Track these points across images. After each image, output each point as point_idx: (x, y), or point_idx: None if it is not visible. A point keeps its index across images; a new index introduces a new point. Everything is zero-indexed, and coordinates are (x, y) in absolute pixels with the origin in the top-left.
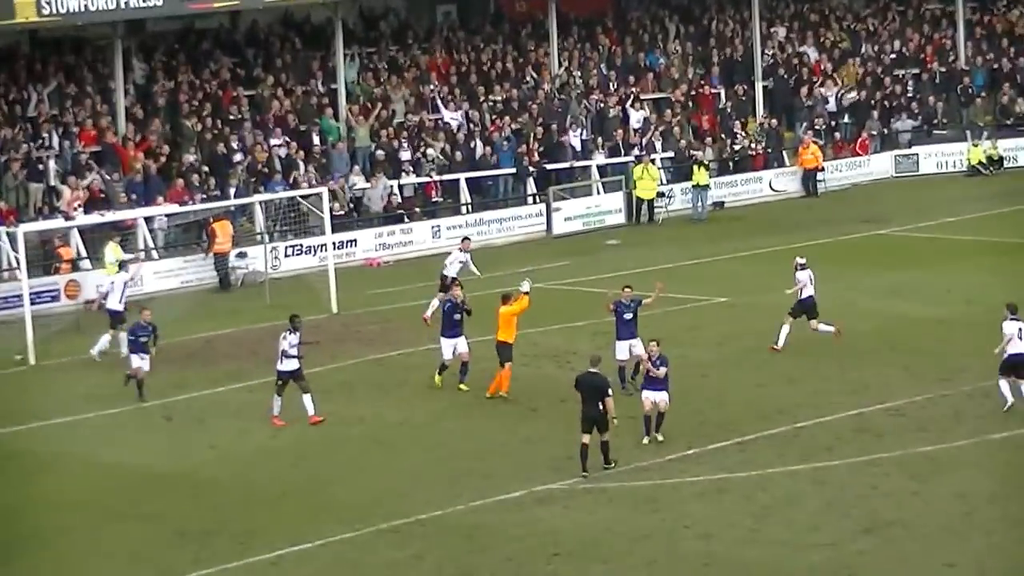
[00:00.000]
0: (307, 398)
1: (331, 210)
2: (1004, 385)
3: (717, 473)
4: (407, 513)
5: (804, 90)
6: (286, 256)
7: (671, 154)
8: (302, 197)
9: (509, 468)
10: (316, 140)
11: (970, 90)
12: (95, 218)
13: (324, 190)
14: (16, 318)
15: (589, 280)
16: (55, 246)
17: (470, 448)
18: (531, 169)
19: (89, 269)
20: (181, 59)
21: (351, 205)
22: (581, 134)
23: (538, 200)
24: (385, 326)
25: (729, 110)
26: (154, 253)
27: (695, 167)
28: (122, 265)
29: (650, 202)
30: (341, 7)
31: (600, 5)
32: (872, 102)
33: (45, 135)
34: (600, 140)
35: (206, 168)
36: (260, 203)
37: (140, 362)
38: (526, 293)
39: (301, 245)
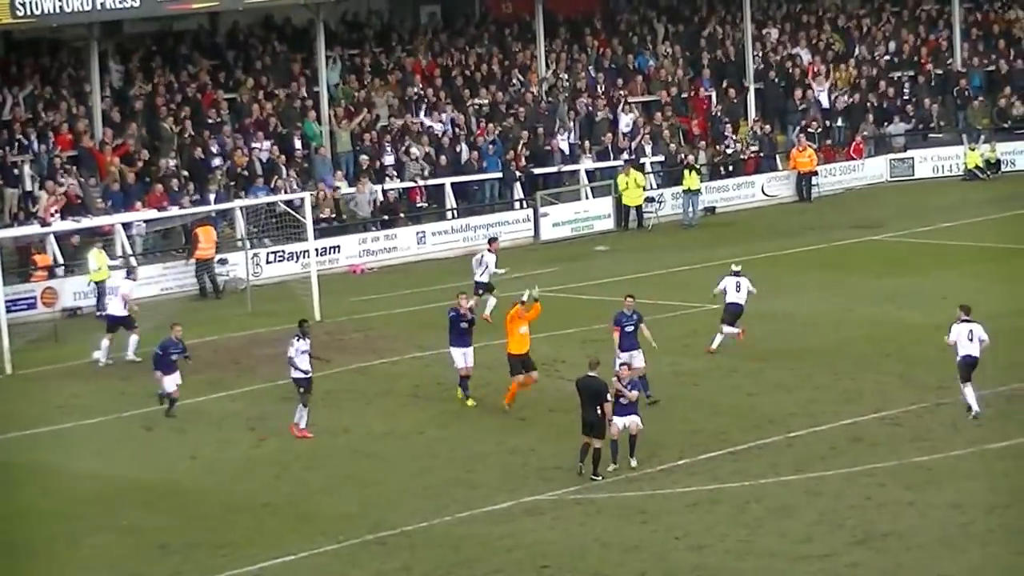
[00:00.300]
0: (301, 408)
1: (321, 216)
2: (967, 391)
3: (709, 483)
4: (393, 524)
5: (797, 93)
6: (268, 263)
7: (661, 158)
8: (285, 202)
9: (496, 479)
10: (298, 144)
11: (967, 92)
12: (71, 224)
13: (307, 195)
14: None
15: (578, 287)
16: (31, 253)
17: (456, 458)
18: (518, 174)
19: (64, 276)
20: (159, 61)
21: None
22: (569, 138)
23: (525, 205)
24: (369, 334)
25: (720, 113)
26: (132, 260)
27: (686, 171)
28: (129, 272)
29: (638, 208)
30: (323, 8)
31: (588, 6)
32: (867, 105)
33: (20, 139)
34: (588, 144)
35: (185, 173)
36: (241, 208)
37: (176, 381)
38: (536, 300)
39: (283, 251)
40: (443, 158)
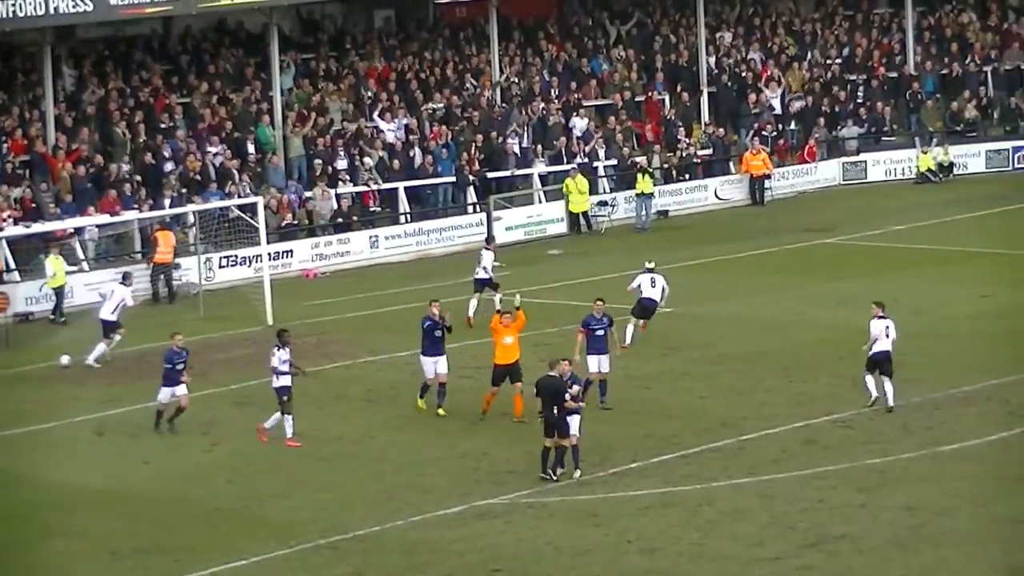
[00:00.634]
0: (284, 418)
1: (284, 222)
2: (870, 380)
3: (661, 487)
4: (345, 529)
5: (750, 96)
6: (220, 267)
7: (614, 162)
8: (241, 207)
9: (448, 483)
10: (251, 149)
11: (919, 96)
12: (21, 229)
13: (260, 200)
14: None
15: (531, 291)
16: None
17: (409, 462)
18: (471, 178)
19: (18, 281)
20: (112, 66)
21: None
22: (522, 142)
23: (478, 209)
24: (322, 338)
25: (674, 117)
26: (85, 264)
27: (639, 175)
28: (125, 278)
29: (584, 214)
30: (277, 13)
31: (542, 10)
32: (820, 108)
33: None
34: (542, 148)
35: (139, 178)
36: (194, 213)
37: (181, 392)
38: (518, 308)
39: (236, 256)
40: (396, 162)
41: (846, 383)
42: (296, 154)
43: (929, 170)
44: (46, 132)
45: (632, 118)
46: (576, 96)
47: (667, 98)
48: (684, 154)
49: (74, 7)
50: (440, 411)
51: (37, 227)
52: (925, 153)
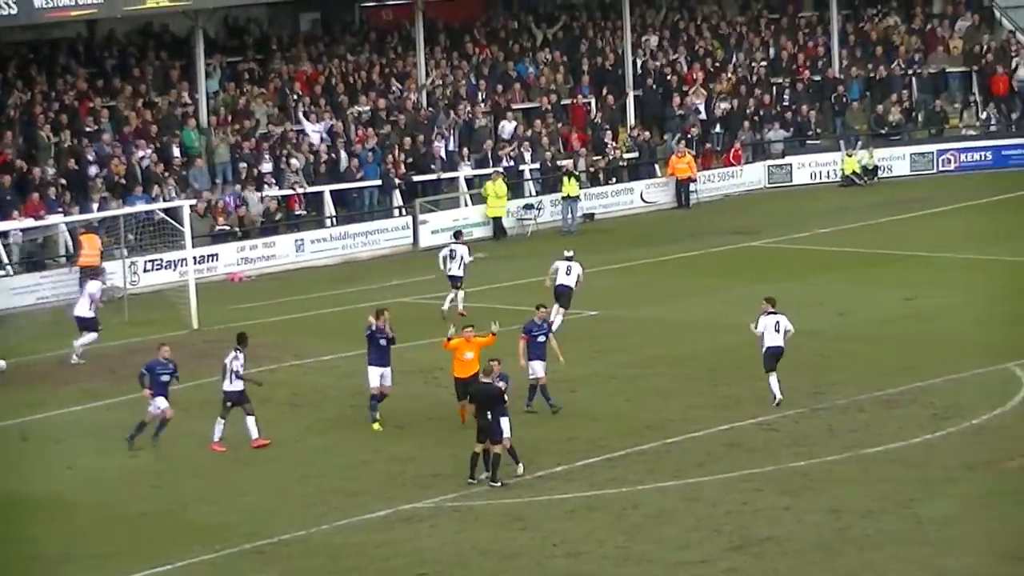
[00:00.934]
0: (251, 420)
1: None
2: (773, 381)
3: (587, 490)
4: (270, 533)
5: (676, 99)
6: (145, 271)
7: (539, 165)
8: (166, 211)
9: (375, 486)
10: (177, 152)
11: (844, 99)
12: None
13: (185, 203)
14: None
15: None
16: None
17: (335, 466)
18: (397, 181)
19: None
20: (36, 69)
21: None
22: (448, 145)
23: (404, 213)
24: (253, 342)
25: (600, 120)
26: (9, 268)
27: (565, 178)
28: (95, 273)
29: (498, 220)
30: (202, 16)
31: (469, 13)
32: (745, 111)
33: None
34: (468, 151)
35: (64, 181)
36: (120, 216)
37: (164, 404)
38: (494, 334)
39: (161, 260)
40: (322, 166)
41: None
42: (222, 158)
43: (854, 173)
44: None
45: (559, 122)
46: (502, 99)
47: (593, 101)
48: (610, 158)
49: None
50: (375, 425)
51: None
52: (850, 156)
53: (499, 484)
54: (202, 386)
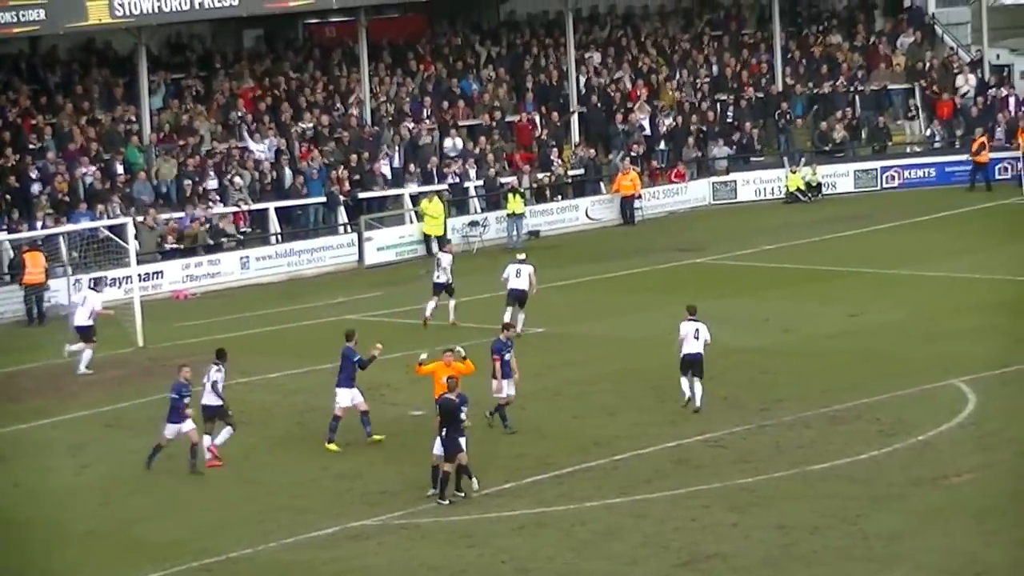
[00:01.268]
0: (226, 432)
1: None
2: (684, 382)
3: (535, 507)
4: (218, 551)
5: (619, 116)
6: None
7: (483, 182)
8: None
9: (322, 504)
10: (120, 169)
11: (788, 116)
12: None
13: (129, 220)
14: None
15: (402, 311)
16: None
17: (283, 484)
18: (342, 198)
19: None
20: None
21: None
22: (393, 162)
23: (349, 230)
24: (193, 359)
25: (545, 137)
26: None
27: (509, 195)
28: (96, 283)
29: (439, 239)
30: (145, 33)
31: (413, 30)
32: (689, 128)
33: None
34: (413, 168)
35: (8, 198)
36: (64, 234)
37: (188, 427)
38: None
39: (106, 277)
40: (267, 183)
41: (717, 402)
42: (167, 175)
43: (798, 189)
44: None
45: (504, 139)
46: (446, 116)
47: (538, 118)
48: (555, 176)
49: None
50: (377, 437)
51: None
52: (794, 173)
53: (447, 502)
54: (149, 403)
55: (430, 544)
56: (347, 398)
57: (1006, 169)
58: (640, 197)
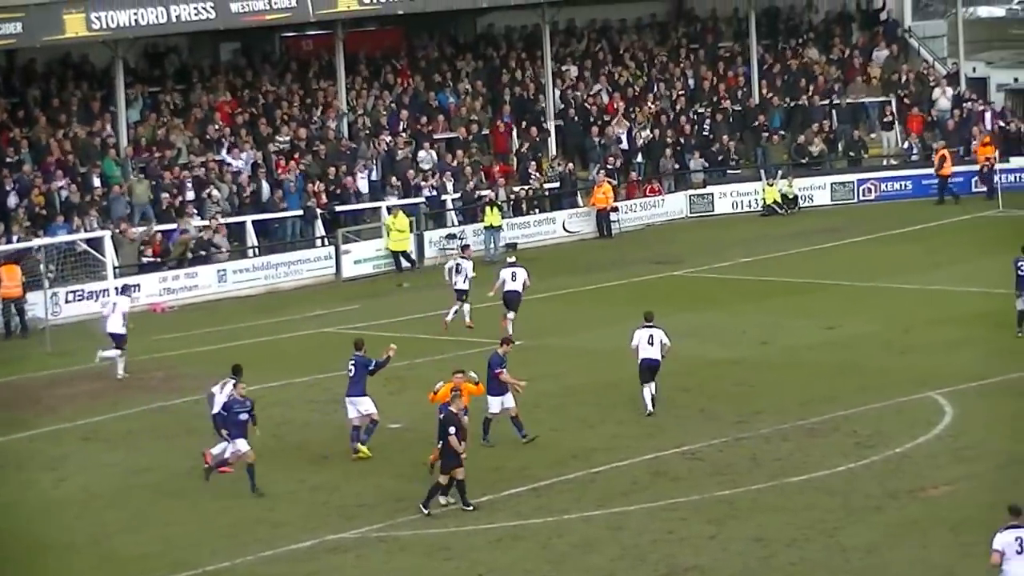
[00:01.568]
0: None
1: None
2: (645, 392)
3: (512, 520)
4: (195, 564)
5: (596, 129)
6: (67, 302)
7: (461, 195)
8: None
9: (299, 517)
10: (98, 182)
11: (765, 129)
12: None
13: (106, 233)
14: None
15: (379, 324)
16: None
17: (259, 496)
18: (319, 211)
19: None
20: None
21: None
22: (370, 175)
23: (327, 243)
24: (170, 372)
25: (522, 150)
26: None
27: (487, 208)
28: (124, 290)
29: (404, 254)
30: (122, 46)
31: (390, 43)
32: (666, 141)
33: None
34: (393, 180)
35: None
36: (41, 247)
37: (245, 446)
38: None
39: (83, 290)
40: (246, 196)
41: (694, 415)
42: (141, 196)
43: (775, 202)
44: None
45: (482, 152)
46: (424, 129)
47: (515, 131)
48: (533, 190)
49: None
50: (364, 452)
51: None
52: (771, 185)
53: (472, 508)
54: (126, 416)
55: (408, 557)
56: (366, 406)
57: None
58: (616, 209)
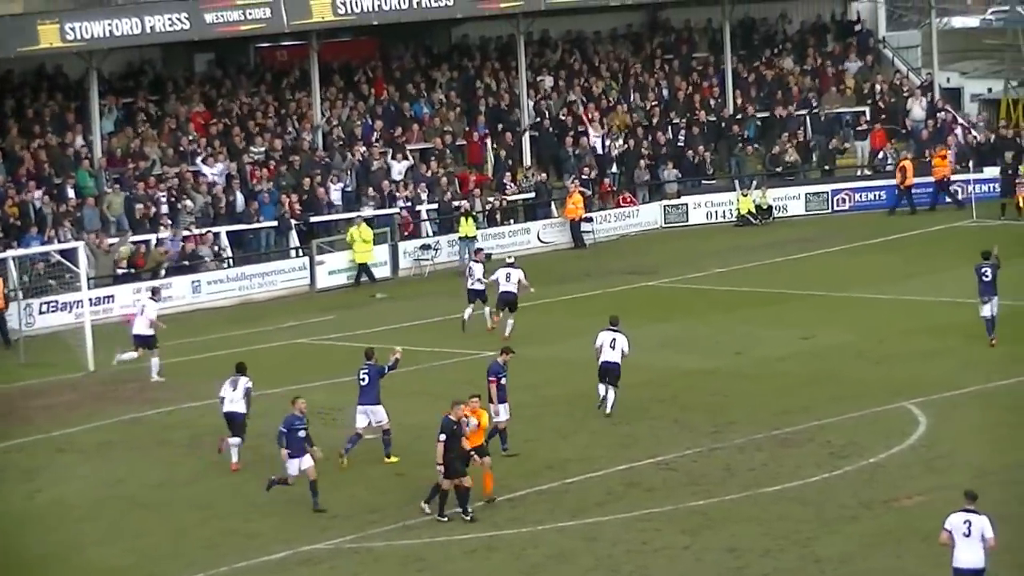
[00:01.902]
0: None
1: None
2: (600, 387)
3: (487, 531)
4: None
5: (571, 139)
6: (40, 313)
7: (436, 205)
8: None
9: (273, 528)
10: (72, 193)
11: (739, 139)
12: None
13: (81, 244)
14: None
15: (354, 335)
16: None
17: (233, 508)
18: (293, 222)
19: None
20: None
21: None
22: (345, 186)
23: (301, 253)
24: (144, 384)
25: (497, 160)
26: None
27: (461, 218)
28: (155, 294)
29: (366, 267)
30: (96, 57)
31: (364, 53)
32: (640, 151)
33: None
34: (367, 191)
35: None
36: (13, 258)
37: (307, 463)
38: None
39: (56, 301)
40: (220, 207)
41: (668, 425)
42: (116, 209)
43: (749, 212)
44: None
45: (456, 162)
46: (399, 139)
47: (489, 141)
48: (507, 201)
49: None
50: (392, 459)
51: None
52: (745, 196)
53: (469, 518)
54: (100, 428)
55: (382, 568)
56: (380, 415)
57: (957, 191)
58: (590, 220)
